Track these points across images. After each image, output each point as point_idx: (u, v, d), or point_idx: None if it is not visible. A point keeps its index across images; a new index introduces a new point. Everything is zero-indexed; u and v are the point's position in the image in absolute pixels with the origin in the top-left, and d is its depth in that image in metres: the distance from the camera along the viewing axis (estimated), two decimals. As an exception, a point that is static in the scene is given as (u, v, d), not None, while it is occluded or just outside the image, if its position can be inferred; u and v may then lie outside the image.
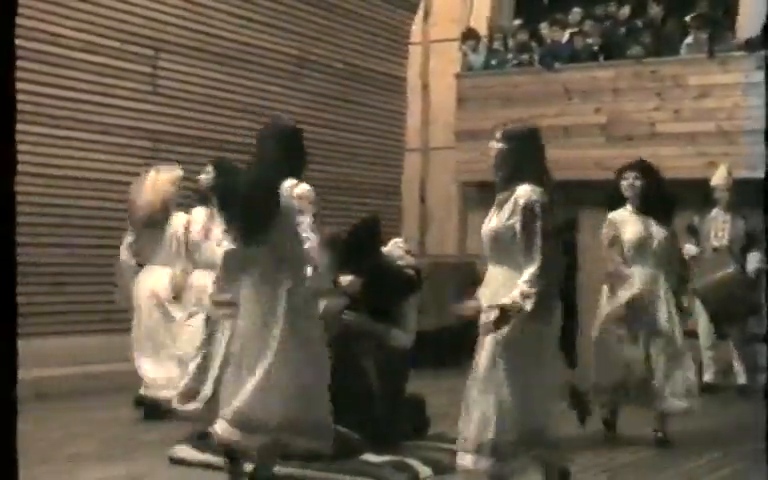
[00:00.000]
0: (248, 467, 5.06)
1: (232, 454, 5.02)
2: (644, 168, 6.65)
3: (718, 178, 9.19)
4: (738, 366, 9.20)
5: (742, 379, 9.15)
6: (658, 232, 6.53)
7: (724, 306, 8.49)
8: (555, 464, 4.58)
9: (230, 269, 5.04)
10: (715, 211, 9.15)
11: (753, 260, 8.86)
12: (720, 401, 8.69)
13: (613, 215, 6.62)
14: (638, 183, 6.53)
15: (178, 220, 7.27)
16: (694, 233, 9.14)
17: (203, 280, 6.54)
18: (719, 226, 9.07)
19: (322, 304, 5.46)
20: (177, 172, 7.52)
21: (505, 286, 4.28)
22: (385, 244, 6.71)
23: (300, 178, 4.95)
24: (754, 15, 10.09)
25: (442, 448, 6.00)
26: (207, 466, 5.52)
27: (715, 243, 9.00)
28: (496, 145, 4.50)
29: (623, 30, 11.51)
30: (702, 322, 9.11)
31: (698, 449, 6.44)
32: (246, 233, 4.98)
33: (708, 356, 9.31)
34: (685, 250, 8.93)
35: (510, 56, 12.06)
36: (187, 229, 7.09)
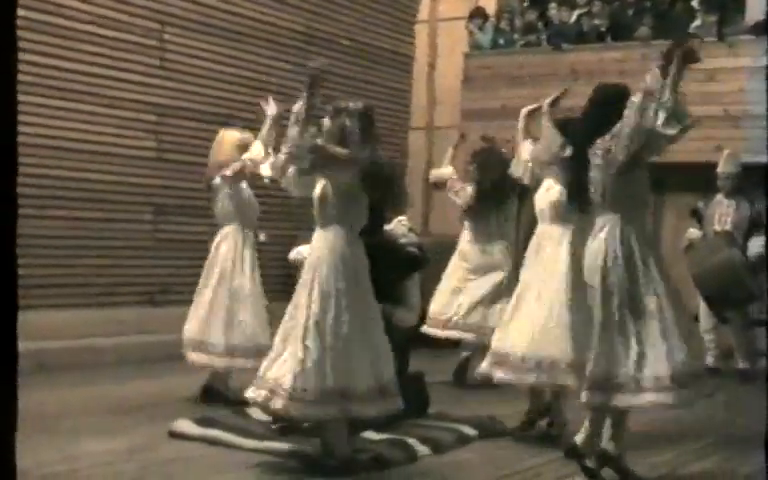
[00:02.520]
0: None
1: None
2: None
3: (723, 162, 9.13)
4: (737, 350, 9.19)
5: (743, 363, 9.14)
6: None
7: (718, 292, 8.44)
8: None
9: None
10: (719, 195, 9.08)
11: (755, 245, 8.69)
12: (720, 385, 8.69)
13: None
14: None
15: None
16: (698, 217, 9.10)
17: None
18: (723, 210, 8.99)
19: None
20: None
21: None
22: (389, 222, 6.70)
23: None
24: (763, -1, 10.03)
25: (441, 427, 6.02)
26: (207, 441, 5.55)
27: (717, 228, 8.89)
28: None
29: (631, 11, 11.46)
30: (702, 305, 9.06)
31: (695, 434, 6.44)
32: None
33: (708, 339, 9.25)
34: (687, 234, 8.95)
35: (517, 36, 12.02)
36: None
